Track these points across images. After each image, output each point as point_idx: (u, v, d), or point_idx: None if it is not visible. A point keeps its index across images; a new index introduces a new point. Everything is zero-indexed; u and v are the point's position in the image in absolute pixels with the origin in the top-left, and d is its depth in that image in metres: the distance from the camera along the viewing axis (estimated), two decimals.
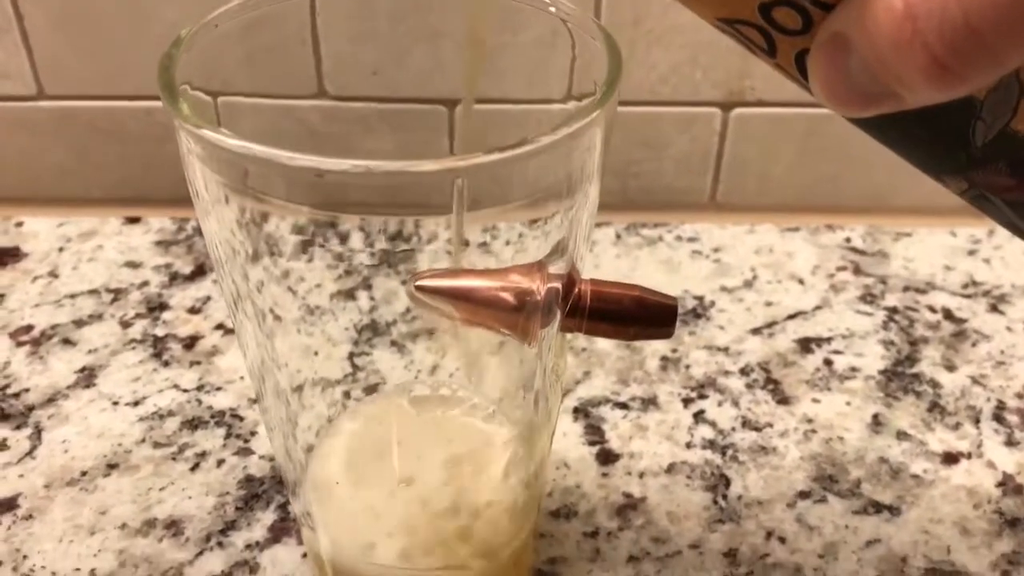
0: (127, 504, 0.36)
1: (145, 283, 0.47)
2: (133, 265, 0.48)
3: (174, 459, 0.38)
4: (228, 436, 0.39)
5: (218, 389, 0.41)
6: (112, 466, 0.38)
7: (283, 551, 0.35)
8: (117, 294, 0.46)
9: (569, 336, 0.30)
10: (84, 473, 0.37)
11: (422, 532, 0.29)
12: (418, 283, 0.28)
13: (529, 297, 0.28)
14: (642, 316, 0.28)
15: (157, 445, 0.39)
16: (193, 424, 0.39)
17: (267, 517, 0.36)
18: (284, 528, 0.36)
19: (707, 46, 0.46)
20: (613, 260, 0.49)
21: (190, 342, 0.43)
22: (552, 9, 0.28)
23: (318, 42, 0.39)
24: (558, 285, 0.27)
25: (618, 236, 0.50)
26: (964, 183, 0.22)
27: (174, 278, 0.47)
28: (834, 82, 0.18)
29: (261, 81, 0.31)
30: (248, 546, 0.35)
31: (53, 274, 0.47)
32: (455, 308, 0.28)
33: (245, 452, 0.38)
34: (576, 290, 0.28)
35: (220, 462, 0.38)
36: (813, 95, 0.19)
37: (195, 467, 0.38)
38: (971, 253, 0.50)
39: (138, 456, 0.38)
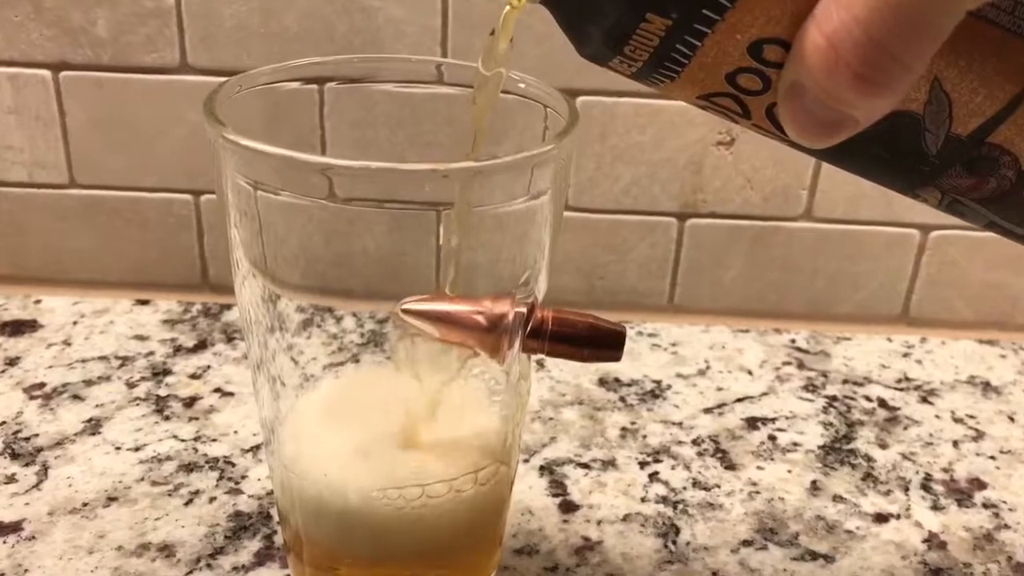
0: (124, 530, 0.39)
1: (151, 353, 0.51)
2: (141, 338, 0.52)
3: (170, 495, 0.41)
4: (220, 478, 0.42)
5: (213, 440, 0.45)
6: (112, 499, 0.41)
7: (267, 573, 0.38)
8: (125, 361, 0.50)
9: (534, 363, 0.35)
10: (85, 504, 0.41)
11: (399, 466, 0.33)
12: (404, 307, 0.33)
13: (501, 321, 0.32)
14: (595, 340, 0.33)
15: (155, 483, 0.42)
16: (189, 468, 0.43)
17: (253, 545, 0.39)
18: (269, 555, 0.39)
19: (664, 163, 0.53)
20: None
21: (190, 401, 0.47)
22: (522, 85, 0.33)
23: (325, 148, 0.45)
24: (524, 310, 0.32)
25: None
26: (937, 192, 0.25)
27: (178, 350, 0.51)
28: (801, 122, 0.23)
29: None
30: (235, 568, 0.38)
31: (67, 343, 0.51)
32: (435, 328, 0.33)
33: (235, 492, 0.42)
34: (539, 316, 0.33)
35: (212, 499, 0.41)
36: (790, 138, 0.24)
37: (189, 502, 0.41)
38: (905, 355, 0.55)
39: (136, 492, 0.41)
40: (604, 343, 0.33)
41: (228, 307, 0.55)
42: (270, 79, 0.33)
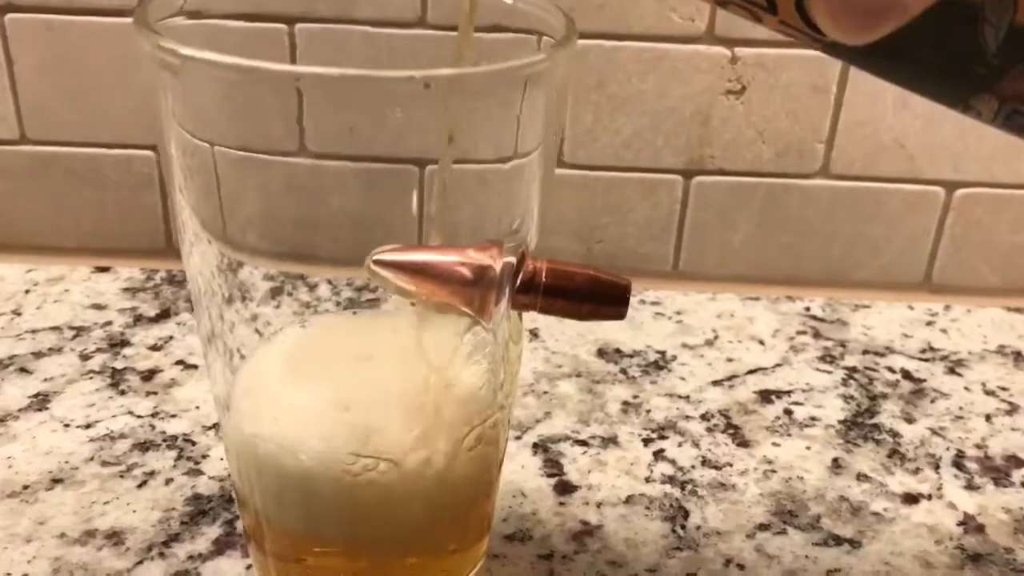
0: (68, 516, 0.35)
1: (108, 323, 0.47)
2: (98, 307, 0.48)
3: (121, 476, 0.37)
4: (179, 458, 0.38)
5: (173, 416, 0.40)
6: (56, 481, 0.37)
7: (226, 563, 0.34)
8: (79, 331, 0.46)
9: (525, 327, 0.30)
10: (26, 486, 0.36)
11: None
12: (376, 258, 0.28)
13: (487, 272, 0.28)
14: (595, 294, 0.29)
15: (105, 464, 0.38)
16: (144, 446, 0.39)
17: (212, 532, 0.35)
18: (229, 542, 0.34)
19: (668, 113, 0.49)
20: None
21: (148, 375, 0.43)
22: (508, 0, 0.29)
23: (301, 97, 0.41)
24: (513, 260, 0.28)
25: None
26: (994, 101, 0.21)
27: (138, 319, 0.47)
28: (838, 10, 0.19)
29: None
30: (191, 557, 0.34)
31: (16, 312, 0.47)
32: (413, 283, 0.28)
33: (195, 473, 0.38)
34: (532, 268, 0.28)
35: (169, 481, 0.37)
36: (825, 35, 0.20)
37: (142, 484, 0.37)
38: (928, 324, 0.51)
39: (85, 473, 0.37)
40: (606, 298, 0.29)
41: (241, 265, 0.51)
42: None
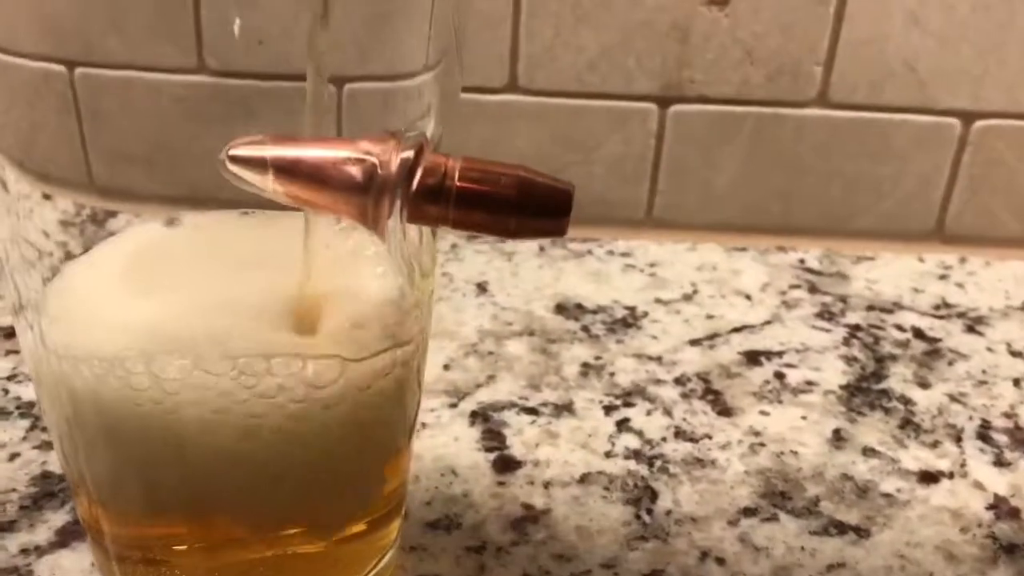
0: None
1: None
2: None
3: None
4: (31, 429, 0.31)
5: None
6: None
7: (69, 558, 0.27)
8: None
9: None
10: None
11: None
12: (232, 152, 0.21)
13: (380, 171, 0.21)
14: (527, 202, 0.21)
15: None
16: None
17: (58, 519, 0.28)
18: (77, 532, 0.27)
19: (641, 28, 0.41)
20: (535, 271, 0.42)
21: (12, 331, 0.36)
22: None
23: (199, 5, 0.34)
24: (410, 154, 0.21)
25: (541, 248, 0.44)
26: None
27: None
28: None
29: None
30: (24, 551, 0.27)
31: None
32: (282, 185, 0.21)
33: (49, 446, 0.30)
34: (442, 167, 0.21)
35: (14, 456, 0.30)
36: None
37: None
38: (942, 278, 0.44)
39: None
40: (541, 207, 0.22)
41: (113, 215, 0.43)
42: None
